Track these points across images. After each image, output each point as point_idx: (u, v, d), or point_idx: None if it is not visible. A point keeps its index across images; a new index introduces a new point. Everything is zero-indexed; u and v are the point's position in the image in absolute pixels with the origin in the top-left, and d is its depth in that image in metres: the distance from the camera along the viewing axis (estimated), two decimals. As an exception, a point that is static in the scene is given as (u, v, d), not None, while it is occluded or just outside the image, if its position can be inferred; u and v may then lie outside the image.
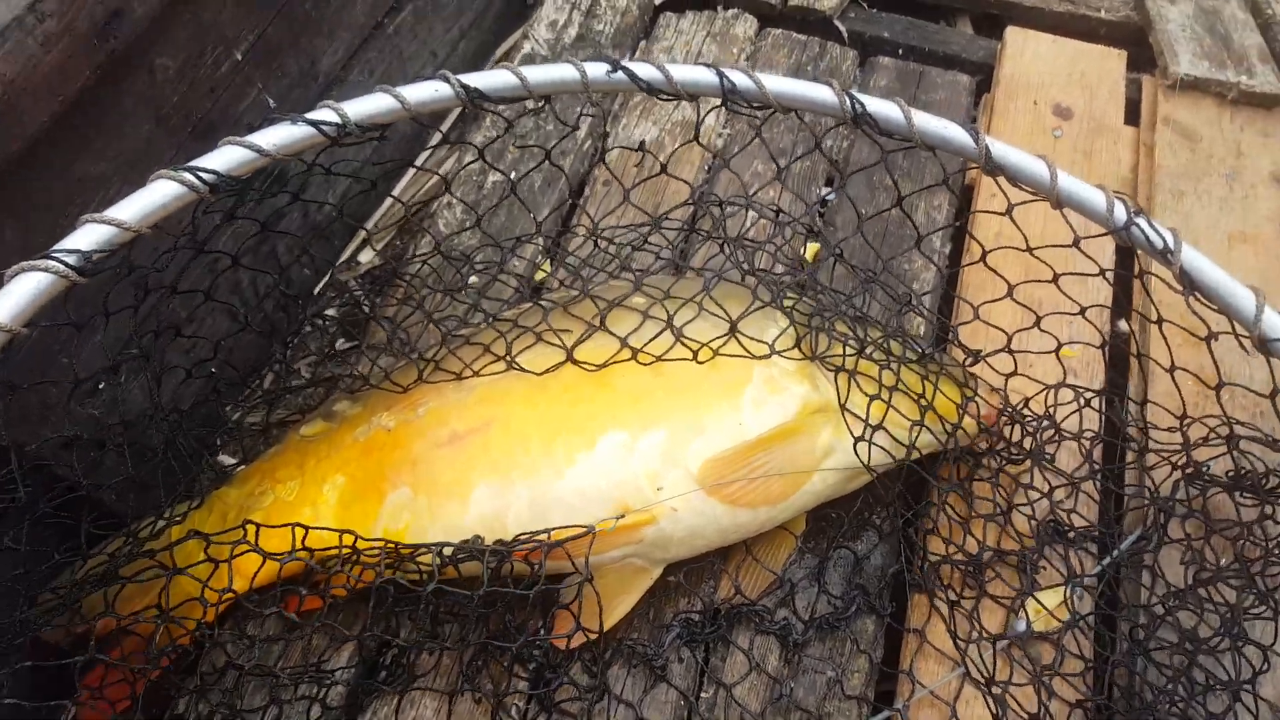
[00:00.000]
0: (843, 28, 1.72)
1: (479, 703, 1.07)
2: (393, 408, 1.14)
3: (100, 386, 1.20)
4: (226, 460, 1.37)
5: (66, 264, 0.83)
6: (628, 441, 1.06)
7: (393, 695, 1.08)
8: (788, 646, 1.11)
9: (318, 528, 1.05)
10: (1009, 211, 1.02)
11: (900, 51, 1.72)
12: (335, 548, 1.05)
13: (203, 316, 1.31)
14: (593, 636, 1.04)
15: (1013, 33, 1.67)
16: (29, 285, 0.83)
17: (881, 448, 1.09)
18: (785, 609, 1.14)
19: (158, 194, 0.90)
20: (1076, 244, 1.00)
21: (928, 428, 1.11)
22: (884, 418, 1.09)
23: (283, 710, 1.08)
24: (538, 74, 1.01)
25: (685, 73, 1.00)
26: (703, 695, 1.09)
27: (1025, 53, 1.64)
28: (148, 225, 0.90)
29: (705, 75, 1.00)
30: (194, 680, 1.10)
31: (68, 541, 1.14)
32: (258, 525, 1.03)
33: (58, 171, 1.09)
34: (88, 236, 0.87)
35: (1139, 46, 1.66)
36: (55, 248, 0.86)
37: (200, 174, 0.91)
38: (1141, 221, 0.94)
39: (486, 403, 1.10)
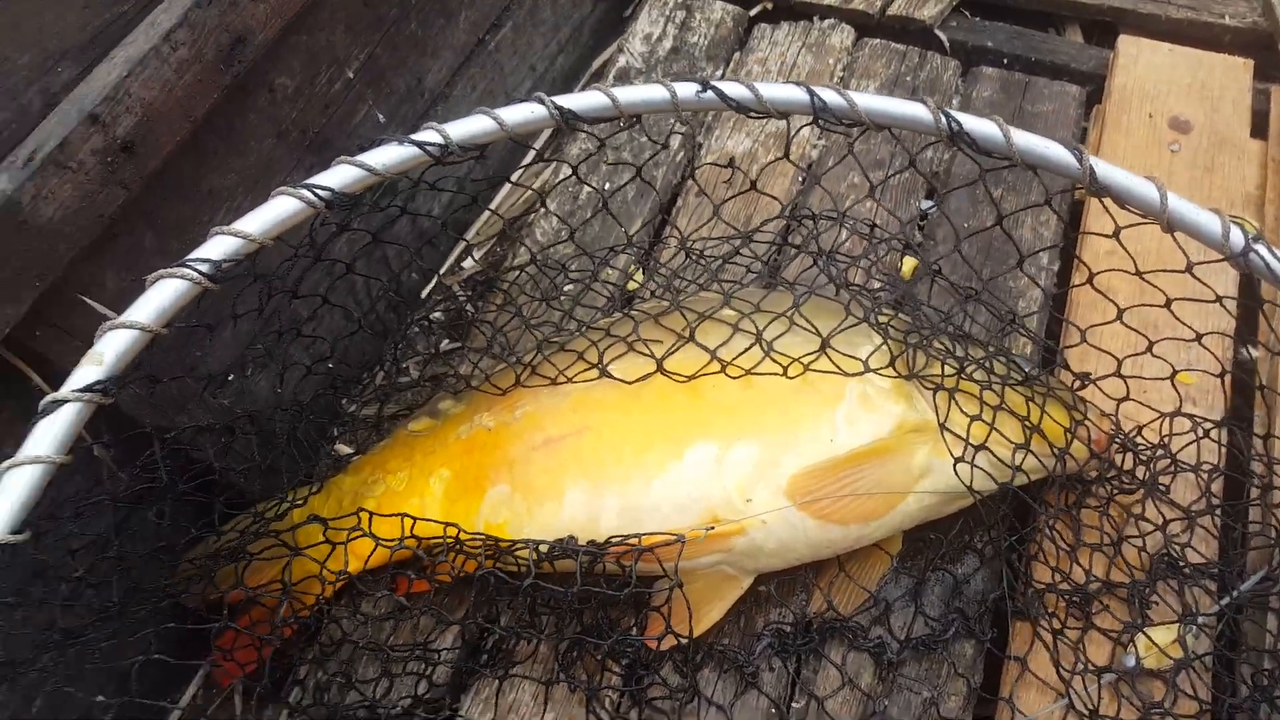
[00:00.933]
0: (944, 37, 1.69)
1: (574, 692, 1.10)
2: (492, 408, 1.18)
3: (230, 379, 1.29)
4: (343, 449, 1.44)
5: (200, 271, 0.90)
6: (718, 453, 1.07)
7: (493, 678, 1.12)
8: (882, 665, 1.09)
9: (424, 519, 1.10)
10: (1116, 234, 0.99)
11: (1005, 61, 1.67)
12: (440, 538, 1.09)
13: (321, 317, 1.38)
14: (683, 640, 1.05)
15: (1126, 41, 1.61)
16: (168, 291, 0.91)
17: (983, 470, 1.06)
18: (880, 627, 1.12)
19: (279, 209, 0.97)
20: (1190, 270, 0.96)
21: (1033, 452, 1.08)
22: (986, 439, 1.06)
23: (393, 683, 1.13)
24: (628, 95, 1.04)
25: (775, 91, 1.01)
26: (794, 705, 1.08)
27: (1140, 62, 1.58)
28: (270, 237, 0.96)
29: (795, 94, 1.00)
30: (313, 650, 1.17)
31: (202, 519, 1.23)
32: (370, 513, 1.09)
33: (190, 186, 1.17)
34: (218, 247, 0.93)
35: (1268, 53, 1.58)
36: (189, 257, 0.92)
37: (317, 191, 0.97)
38: (1261, 248, 0.90)
39: (580, 409, 1.12)
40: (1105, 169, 0.93)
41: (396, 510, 1.12)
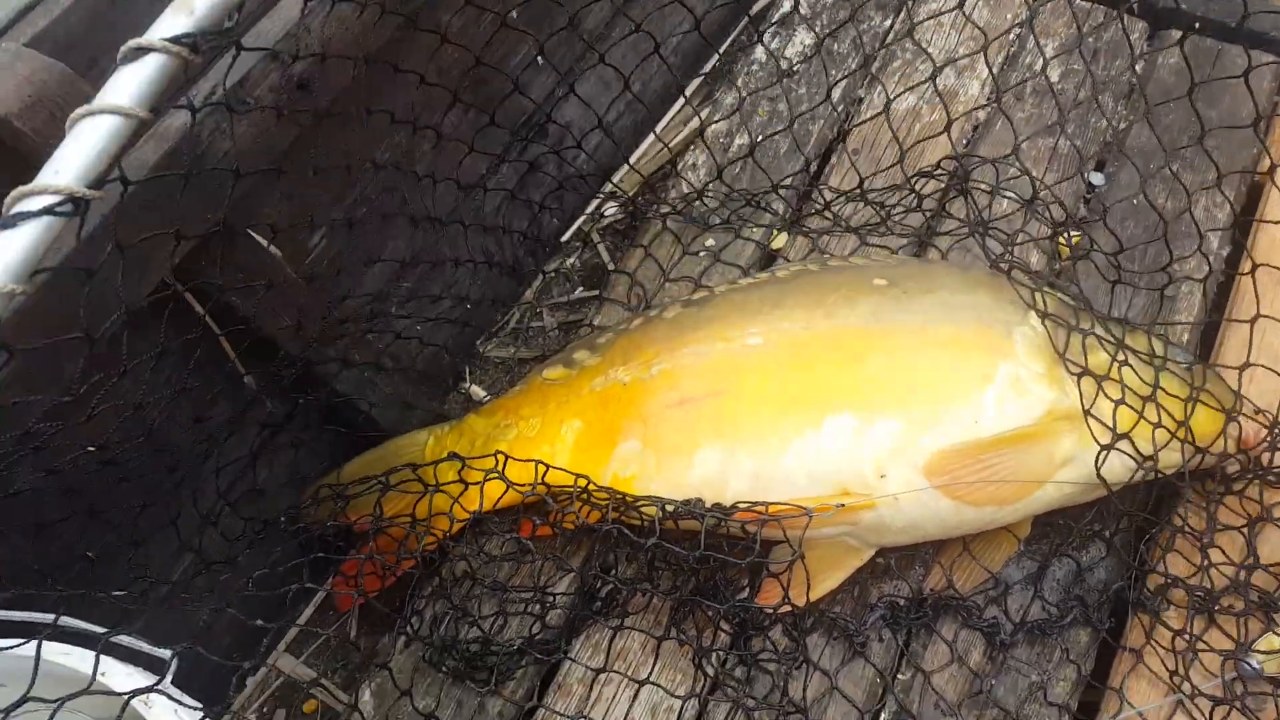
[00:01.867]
0: (1132, -5, 1.58)
1: (682, 645, 1.15)
2: (628, 363, 1.22)
3: (373, 313, 1.36)
4: (476, 391, 1.52)
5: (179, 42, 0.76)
6: (858, 425, 1.07)
7: (605, 626, 1.17)
8: (994, 645, 1.11)
9: (557, 468, 1.14)
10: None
11: (1197, 25, 1.55)
12: (570, 487, 1.14)
13: (461, 258, 1.44)
14: (799, 607, 1.09)
15: (1340, 8, 1.47)
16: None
17: (1131, 456, 1.04)
18: (995, 607, 1.13)
19: None
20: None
21: (1175, 441, 1.05)
22: (1132, 429, 1.04)
23: (508, 621, 1.20)
24: None
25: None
26: (899, 677, 1.11)
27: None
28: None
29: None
30: (433, 584, 1.24)
31: (345, 447, 1.33)
32: (507, 456, 1.15)
33: (353, 122, 1.19)
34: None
35: None
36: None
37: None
38: None
39: (719, 371, 1.15)
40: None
41: (528, 456, 1.17)
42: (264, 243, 1.12)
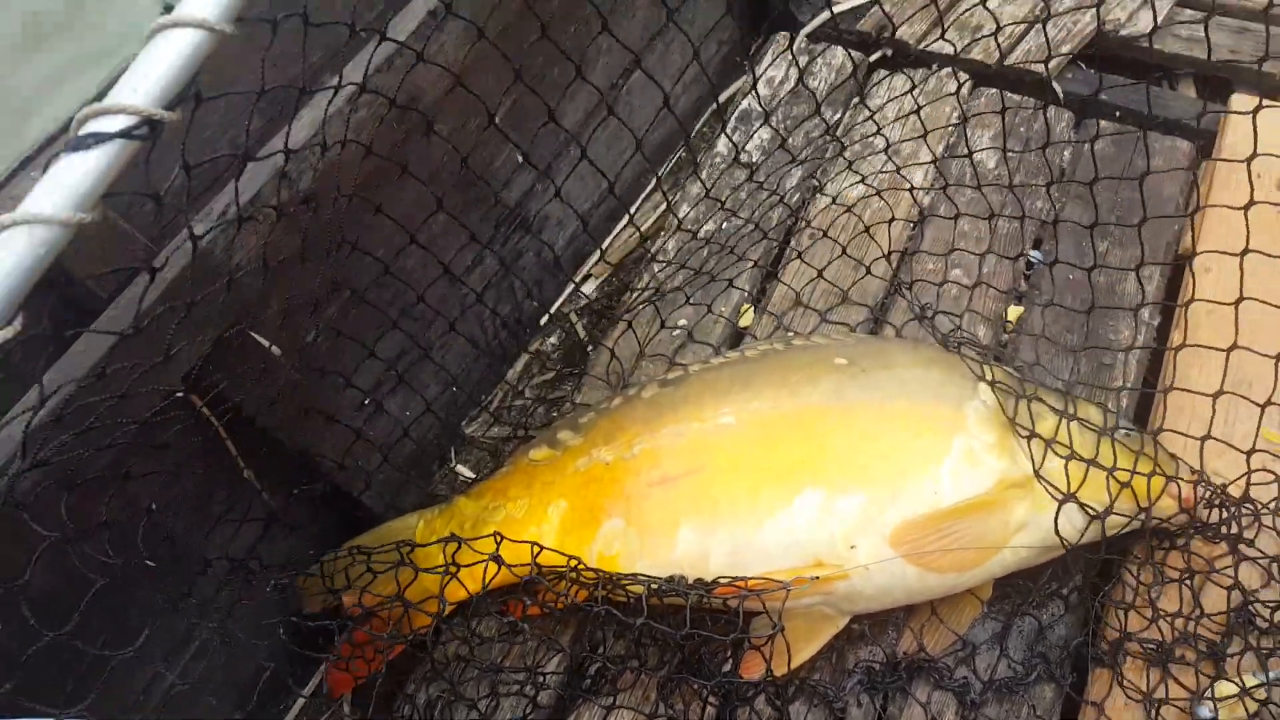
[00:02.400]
0: (1059, 88, 1.73)
1: (672, 720, 1.20)
2: (610, 443, 1.28)
3: (365, 403, 1.43)
4: (463, 471, 1.58)
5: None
6: (825, 501, 1.15)
7: (596, 705, 1.22)
8: (965, 705, 1.17)
9: (550, 549, 1.20)
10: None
11: (1118, 114, 1.70)
12: (559, 567, 1.20)
13: (449, 345, 1.51)
14: (780, 676, 1.15)
15: (1239, 100, 1.62)
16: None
17: (1084, 506, 1.12)
18: (965, 668, 1.20)
19: None
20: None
21: (1122, 504, 1.14)
22: (1078, 488, 1.13)
23: (499, 703, 1.25)
24: None
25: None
26: (879, 739, 1.18)
27: (1252, 121, 1.58)
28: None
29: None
30: (424, 668, 1.28)
31: (336, 530, 1.38)
32: (502, 536, 1.21)
33: (351, 224, 1.27)
34: None
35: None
36: None
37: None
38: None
39: (697, 449, 1.22)
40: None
41: (517, 537, 1.22)
42: (265, 344, 1.19)
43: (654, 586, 1.15)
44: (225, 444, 1.22)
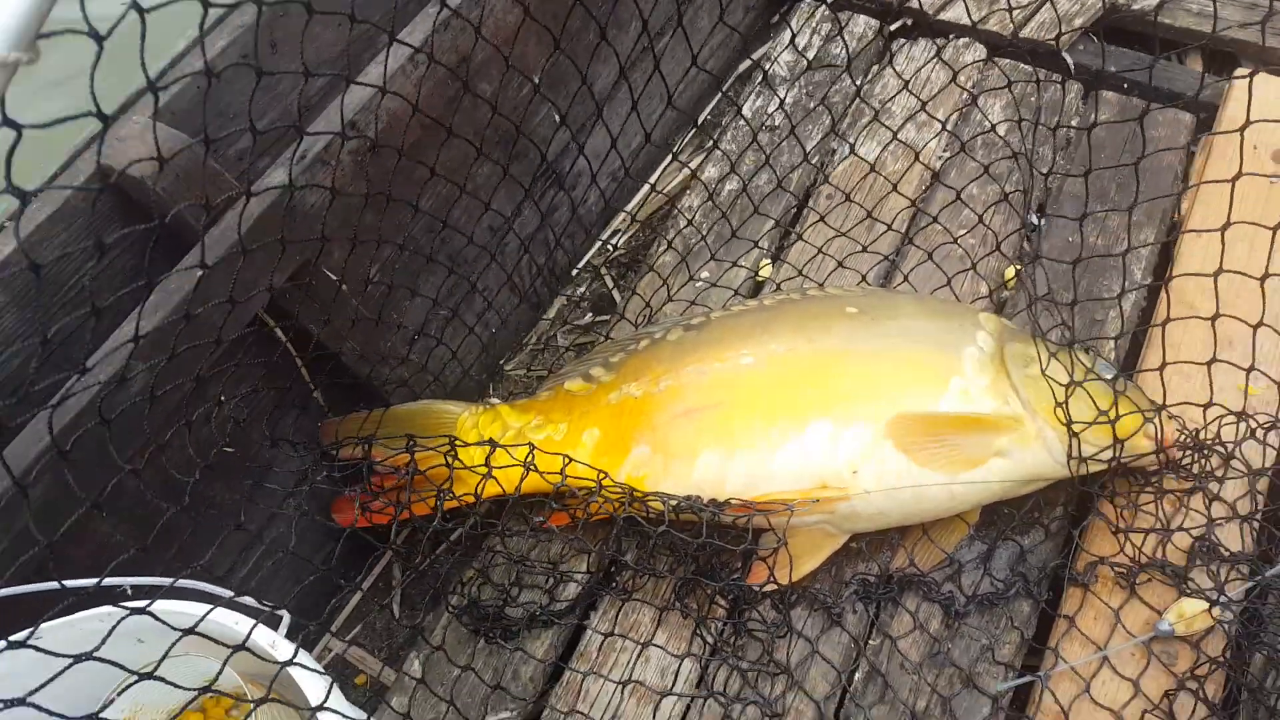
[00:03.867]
0: (1069, 59, 1.82)
1: (685, 618, 1.36)
2: (639, 379, 1.43)
3: (415, 338, 1.57)
4: (499, 402, 1.73)
5: None
6: (833, 431, 1.29)
7: (618, 599, 1.38)
8: (949, 615, 1.32)
9: (580, 461, 1.36)
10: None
11: (1125, 85, 1.79)
12: (589, 480, 1.35)
13: (492, 289, 1.65)
14: (783, 585, 1.30)
15: (1242, 74, 1.71)
16: None
17: (1080, 443, 1.26)
18: (951, 583, 1.34)
19: None
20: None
21: (1105, 441, 1.26)
22: (1068, 427, 1.26)
23: (523, 593, 1.41)
24: None
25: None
26: (870, 643, 1.32)
27: (1253, 94, 1.67)
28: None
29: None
30: (471, 570, 1.44)
31: None
32: (534, 447, 1.36)
33: (406, 174, 1.40)
34: None
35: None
36: None
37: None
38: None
39: (718, 386, 1.36)
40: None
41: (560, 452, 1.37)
42: (334, 278, 1.33)
43: (673, 503, 1.30)
44: (299, 367, 1.37)
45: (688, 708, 1.30)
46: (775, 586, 1.31)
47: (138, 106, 1.24)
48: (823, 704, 1.27)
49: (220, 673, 0.91)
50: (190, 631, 0.88)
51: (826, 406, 1.31)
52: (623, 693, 1.32)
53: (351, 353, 1.43)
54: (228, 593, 1.02)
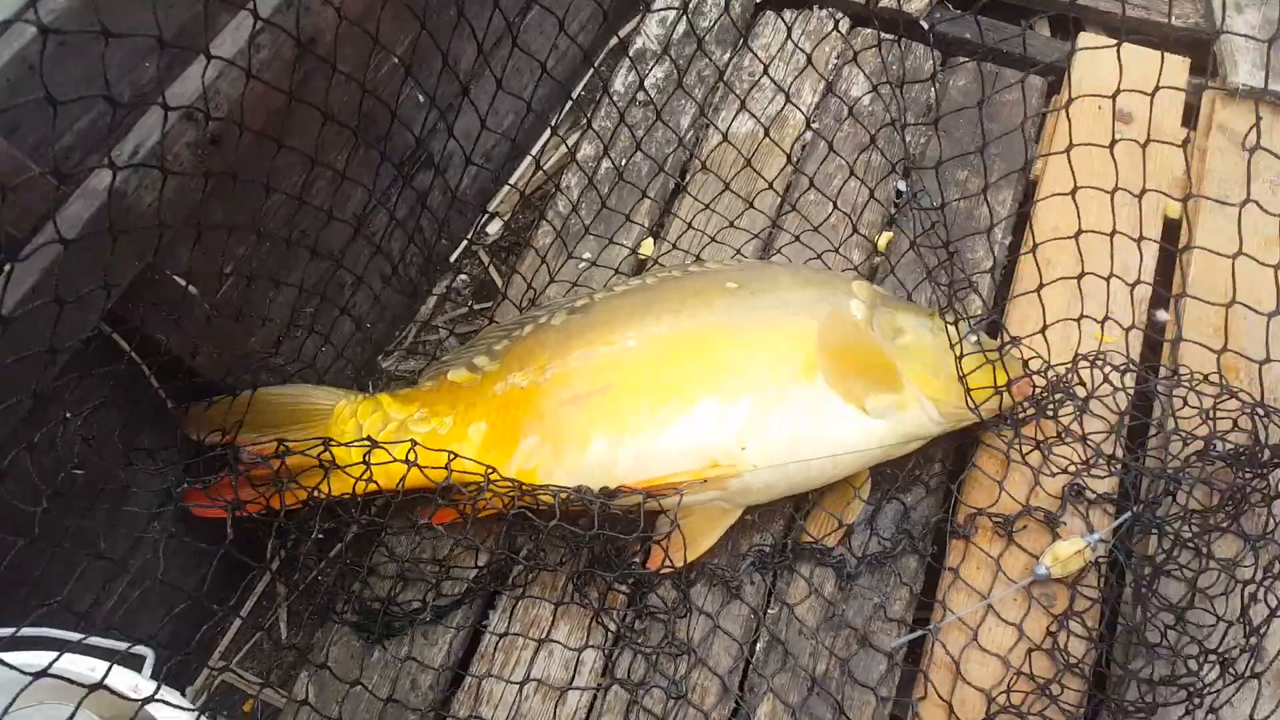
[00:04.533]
0: (927, 27, 1.87)
1: (585, 609, 1.34)
2: (525, 369, 1.39)
3: (280, 340, 1.48)
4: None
5: None
6: (719, 408, 1.29)
7: (511, 598, 1.35)
8: (842, 577, 1.34)
9: (467, 457, 1.32)
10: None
11: (980, 52, 1.85)
12: (477, 474, 1.30)
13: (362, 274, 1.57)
14: (679, 568, 1.30)
15: (1085, 38, 1.79)
16: None
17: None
18: (842, 547, 1.37)
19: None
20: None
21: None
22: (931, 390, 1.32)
23: (406, 588, 1.37)
24: None
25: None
26: (769, 611, 1.34)
27: (1095, 57, 1.75)
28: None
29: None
30: (360, 573, 1.38)
31: None
32: (414, 443, 1.31)
33: (254, 165, 1.32)
34: None
35: (1203, 52, 1.77)
36: None
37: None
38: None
39: (605, 369, 1.34)
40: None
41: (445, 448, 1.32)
42: (182, 283, 1.24)
43: (563, 496, 1.27)
44: (148, 378, 1.27)
45: (594, 699, 1.29)
46: (671, 569, 1.31)
47: None
48: (726, 678, 1.28)
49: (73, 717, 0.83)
50: (39, 676, 0.80)
51: (711, 383, 1.31)
52: (525, 691, 1.29)
53: (207, 358, 1.33)
54: (75, 636, 0.94)
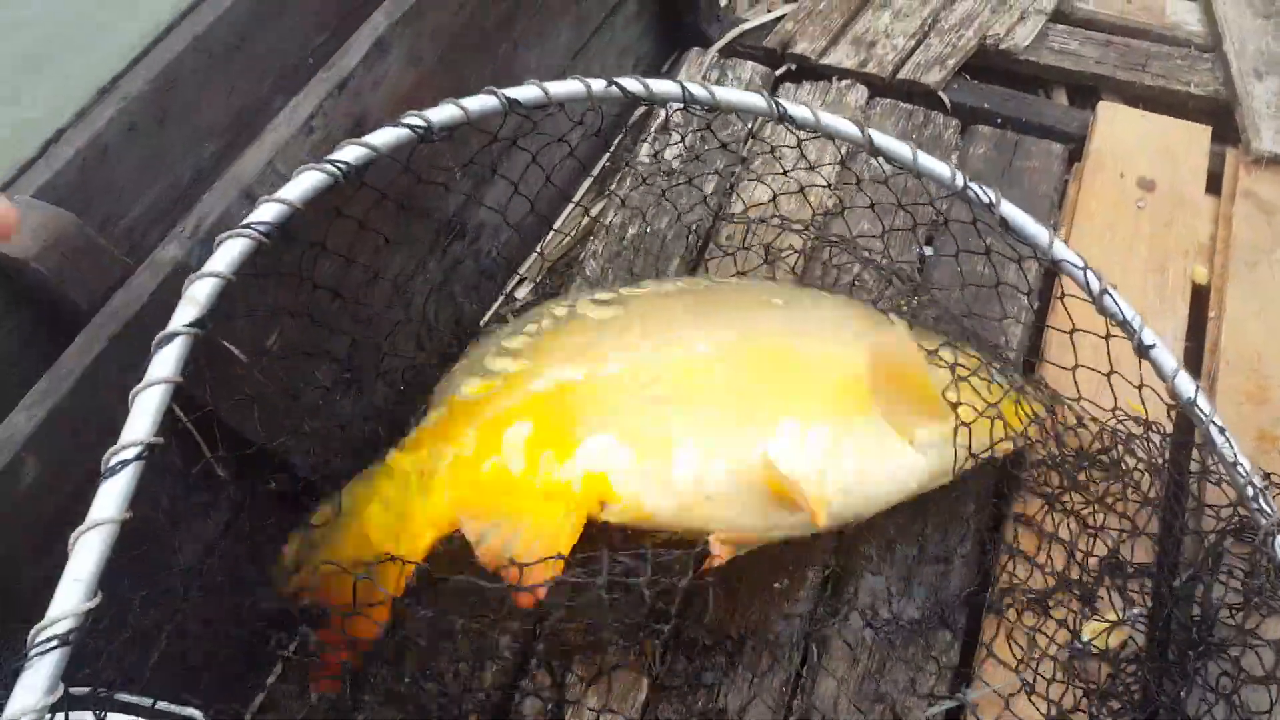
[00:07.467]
0: (946, 98, 1.91)
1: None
2: (575, 360, 1.27)
3: (320, 404, 1.51)
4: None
5: (259, 231, 1.07)
6: (799, 430, 1.19)
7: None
8: (878, 645, 1.33)
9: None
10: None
11: (999, 120, 1.89)
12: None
13: (397, 345, 1.60)
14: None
15: (1105, 107, 1.83)
16: (235, 247, 1.07)
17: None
18: (881, 604, 1.36)
19: (308, 181, 1.12)
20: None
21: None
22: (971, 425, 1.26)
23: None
24: (557, 88, 1.26)
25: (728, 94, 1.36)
26: (802, 682, 1.32)
27: (1115, 125, 1.79)
28: (304, 202, 1.12)
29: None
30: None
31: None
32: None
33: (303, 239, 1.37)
34: (268, 211, 1.10)
35: (1225, 119, 1.80)
36: (248, 220, 1.08)
37: (336, 164, 1.13)
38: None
39: (683, 372, 1.25)
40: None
41: (472, 475, 1.21)
42: (235, 351, 1.27)
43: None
44: (198, 443, 1.29)
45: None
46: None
47: (18, 184, 1.17)
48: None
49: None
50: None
51: (789, 403, 1.21)
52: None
53: (252, 424, 1.36)
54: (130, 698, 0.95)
